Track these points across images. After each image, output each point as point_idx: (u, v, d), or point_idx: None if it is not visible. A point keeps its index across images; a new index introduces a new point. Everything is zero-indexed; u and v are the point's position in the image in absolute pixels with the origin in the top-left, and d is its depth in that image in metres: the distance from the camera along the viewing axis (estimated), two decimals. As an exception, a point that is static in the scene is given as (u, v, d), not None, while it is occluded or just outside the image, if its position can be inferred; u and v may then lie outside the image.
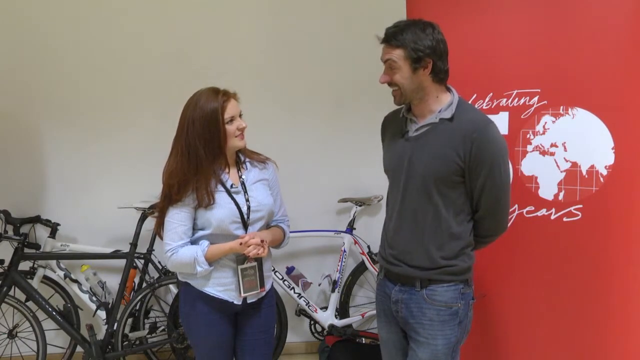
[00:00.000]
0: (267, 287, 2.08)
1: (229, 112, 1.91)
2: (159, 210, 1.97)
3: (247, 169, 2.05)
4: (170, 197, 1.91)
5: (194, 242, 1.96)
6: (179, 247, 1.92)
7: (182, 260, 1.91)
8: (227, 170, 1.99)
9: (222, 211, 1.92)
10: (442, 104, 1.80)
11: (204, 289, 1.97)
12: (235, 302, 1.99)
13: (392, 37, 1.74)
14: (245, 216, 1.97)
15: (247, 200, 1.98)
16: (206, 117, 1.88)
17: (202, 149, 1.89)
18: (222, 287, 1.98)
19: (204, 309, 1.99)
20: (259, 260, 2.00)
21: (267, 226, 2.08)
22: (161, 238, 1.99)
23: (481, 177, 1.74)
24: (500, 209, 1.82)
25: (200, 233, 1.96)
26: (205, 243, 1.93)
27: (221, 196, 1.94)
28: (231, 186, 1.97)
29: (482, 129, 1.74)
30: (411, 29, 1.73)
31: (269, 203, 2.04)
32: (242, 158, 2.06)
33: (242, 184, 2.01)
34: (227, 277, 1.98)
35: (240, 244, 1.91)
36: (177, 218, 1.92)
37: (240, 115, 1.97)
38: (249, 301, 2.02)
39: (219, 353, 2.04)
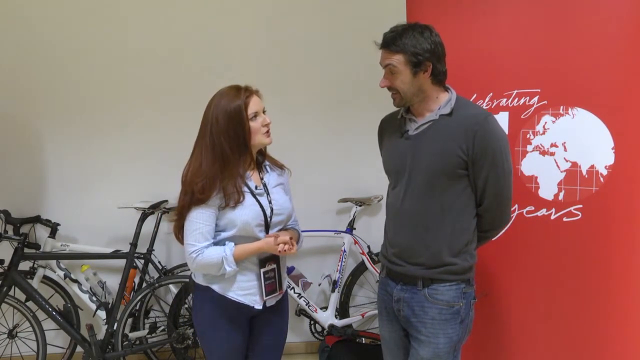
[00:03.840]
0: (284, 288, 2.06)
1: (252, 107, 1.89)
2: (179, 212, 1.91)
3: (267, 171, 2.03)
4: (193, 197, 1.86)
5: (216, 244, 1.92)
6: (204, 248, 1.87)
7: (210, 261, 1.86)
8: (251, 170, 1.96)
9: (247, 212, 1.89)
10: (440, 102, 1.82)
11: (227, 293, 1.93)
12: (257, 307, 1.95)
13: (392, 42, 1.75)
14: (269, 219, 1.95)
15: (270, 202, 1.96)
16: (230, 114, 1.86)
17: (228, 146, 1.86)
18: (245, 291, 1.94)
19: (223, 316, 1.95)
20: (277, 262, 1.98)
21: (284, 230, 2.06)
22: (180, 242, 1.94)
23: (485, 169, 1.76)
24: (504, 200, 1.83)
25: (222, 235, 1.91)
26: (231, 243, 1.89)
27: (246, 197, 1.91)
28: (255, 188, 1.95)
29: (482, 121, 1.75)
30: (409, 33, 1.74)
31: (289, 207, 2.04)
32: (262, 160, 2.04)
33: (264, 186, 1.99)
34: (248, 280, 1.94)
35: (275, 238, 1.89)
36: (202, 218, 1.87)
37: (264, 111, 1.95)
38: (268, 305, 1.99)
39: (232, 357, 2.01)
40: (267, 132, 1.95)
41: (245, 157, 1.92)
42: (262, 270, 1.94)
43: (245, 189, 1.92)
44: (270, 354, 2.09)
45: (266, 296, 1.95)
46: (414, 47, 1.72)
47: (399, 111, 1.93)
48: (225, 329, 1.96)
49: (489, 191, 1.79)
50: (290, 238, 1.93)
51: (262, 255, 1.94)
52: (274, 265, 1.97)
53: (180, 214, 1.91)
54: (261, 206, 1.93)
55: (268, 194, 1.98)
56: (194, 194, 1.85)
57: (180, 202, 1.91)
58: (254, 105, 1.90)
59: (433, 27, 1.79)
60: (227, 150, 1.86)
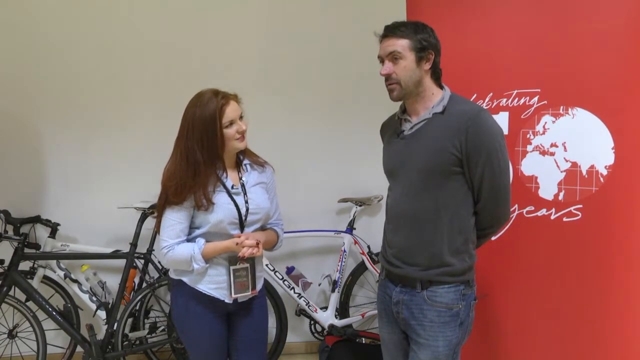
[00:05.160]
0: (258, 287, 2.08)
1: (228, 115, 1.89)
2: (157, 209, 1.98)
3: (247, 170, 2.05)
4: (167, 198, 1.92)
5: (189, 240, 1.97)
6: (176, 245, 1.93)
7: (179, 257, 1.92)
8: (225, 172, 1.99)
9: (221, 212, 1.93)
10: (435, 100, 1.82)
11: (197, 286, 1.97)
12: (227, 301, 1.99)
13: (397, 28, 1.77)
14: (244, 217, 1.98)
15: (246, 202, 1.99)
16: (204, 121, 1.87)
17: (200, 153, 1.88)
18: (215, 284, 1.98)
19: (197, 308, 1.99)
20: (251, 261, 2.00)
21: (262, 229, 2.09)
22: None
23: (480, 165, 1.74)
24: (501, 196, 1.81)
25: (196, 232, 1.96)
26: (201, 241, 1.94)
27: (221, 196, 1.95)
28: (232, 187, 1.98)
29: (475, 117, 1.74)
30: (412, 24, 1.78)
31: (267, 206, 2.05)
32: (242, 159, 2.06)
33: (242, 185, 2.01)
34: (220, 274, 1.98)
35: (237, 244, 1.92)
36: (175, 216, 1.93)
37: (241, 117, 1.95)
38: (240, 301, 2.02)
39: (213, 353, 2.04)
40: (242, 137, 1.96)
41: (217, 163, 1.94)
42: (232, 267, 1.97)
43: (221, 187, 1.95)
44: (252, 352, 2.10)
45: (235, 293, 1.98)
46: (419, 34, 1.76)
47: (396, 113, 1.94)
48: (201, 322, 2.00)
49: (486, 188, 1.77)
50: (258, 242, 1.94)
51: (233, 253, 1.96)
52: (247, 265, 1.99)
53: (159, 212, 1.97)
54: (236, 205, 1.95)
55: (245, 193, 1.99)
56: (168, 196, 1.91)
57: (158, 202, 1.97)
58: (230, 112, 1.90)
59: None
60: (199, 158, 1.89)
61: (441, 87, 1.85)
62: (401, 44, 1.76)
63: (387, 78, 1.81)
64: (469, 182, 1.79)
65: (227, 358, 2.12)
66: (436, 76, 1.82)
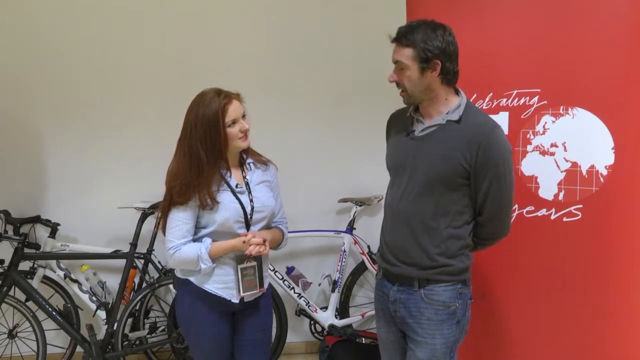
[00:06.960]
0: (265, 285, 2.08)
1: (230, 114, 1.90)
2: (162, 210, 1.98)
3: (250, 169, 2.06)
4: (172, 199, 1.92)
5: (195, 240, 1.97)
6: (182, 245, 1.93)
7: (186, 257, 1.92)
8: (229, 171, 1.99)
9: (226, 211, 1.93)
10: (450, 106, 1.80)
11: (204, 285, 1.97)
12: (234, 301, 1.99)
13: (403, 36, 1.75)
14: (249, 216, 1.98)
15: (251, 200, 1.99)
16: (207, 120, 1.87)
17: (204, 153, 1.89)
18: (222, 284, 1.98)
19: (203, 308, 1.99)
20: (258, 260, 2.00)
21: (267, 227, 2.09)
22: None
23: (486, 181, 1.75)
24: (504, 212, 1.82)
25: (202, 232, 1.96)
26: (208, 240, 1.94)
27: (226, 196, 1.95)
28: (236, 186, 1.98)
29: (488, 133, 1.74)
30: (422, 29, 1.74)
31: (272, 204, 2.05)
32: (245, 158, 2.07)
33: (247, 184, 2.01)
34: (227, 274, 1.98)
35: (243, 242, 1.92)
36: (181, 216, 1.93)
37: (243, 116, 1.96)
38: (246, 300, 2.03)
39: (217, 353, 2.04)
40: (245, 136, 1.96)
41: (220, 162, 1.95)
42: (240, 266, 1.97)
43: (225, 187, 1.96)
44: (256, 351, 2.10)
45: (244, 292, 1.98)
46: (424, 43, 1.71)
47: (409, 108, 1.92)
48: (206, 322, 2.00)
49: (489, 202, 1.78)
50: (265, 240, 1.94)
51: (239, 252, 1.96)
52: (254, 263, 1.99)
53: (163, 213, 1.97)
54: (241, 204, 1.96)
55: (250, 191, 2.00)
56: (172, 196, 1.91)
57: (163, 202, 1.97)
58: (232, 111, 1.91)
59: (449, 27, 1.77)
60: (203, 157, 1.89)
61: (456, 92, 1.83)
62: (405, 54, 1.74)
63: (397, 84, 1.81)
64: (472, 194, 1.79)
65: (231, 358, 2.11)
66: (448, 80, 1.78)
